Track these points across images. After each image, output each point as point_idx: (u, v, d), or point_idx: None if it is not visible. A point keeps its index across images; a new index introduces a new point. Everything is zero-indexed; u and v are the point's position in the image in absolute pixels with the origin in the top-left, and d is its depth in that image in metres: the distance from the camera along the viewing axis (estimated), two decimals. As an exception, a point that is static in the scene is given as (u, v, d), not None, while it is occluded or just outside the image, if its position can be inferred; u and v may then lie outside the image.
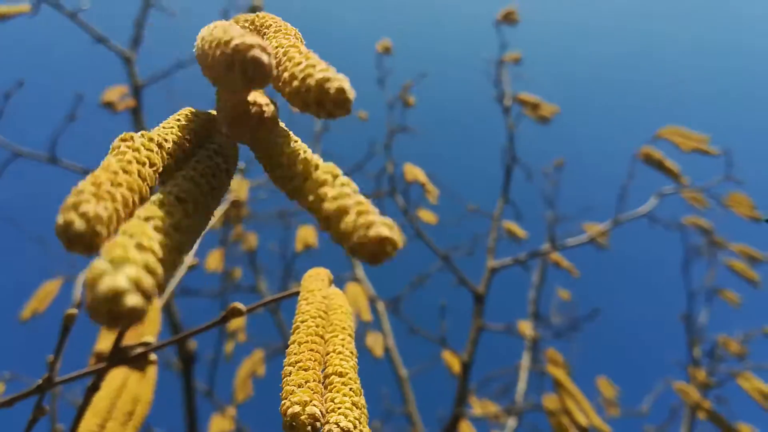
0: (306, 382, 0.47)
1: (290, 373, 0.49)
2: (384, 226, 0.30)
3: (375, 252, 0.30)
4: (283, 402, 0.45)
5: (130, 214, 0.33)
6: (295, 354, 0.52)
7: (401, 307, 3.40)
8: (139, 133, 0.40)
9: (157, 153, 0.39)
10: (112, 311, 0.25)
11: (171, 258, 0.31)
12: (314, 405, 0.44)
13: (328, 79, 0.33)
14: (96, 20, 2.29)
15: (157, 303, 1.21)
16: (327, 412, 0.46)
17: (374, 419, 3.65)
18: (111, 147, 0.38)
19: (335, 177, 0.35)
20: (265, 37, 0.44)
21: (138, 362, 1.04)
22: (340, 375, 0.50)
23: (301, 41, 0.45)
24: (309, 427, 0.42)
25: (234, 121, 0.39)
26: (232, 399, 3.12)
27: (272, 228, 3.96)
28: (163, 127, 0.43)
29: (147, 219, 0.32)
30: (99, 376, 0.94)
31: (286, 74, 0.36)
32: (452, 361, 2.81)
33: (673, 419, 3.37)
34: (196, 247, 1.58)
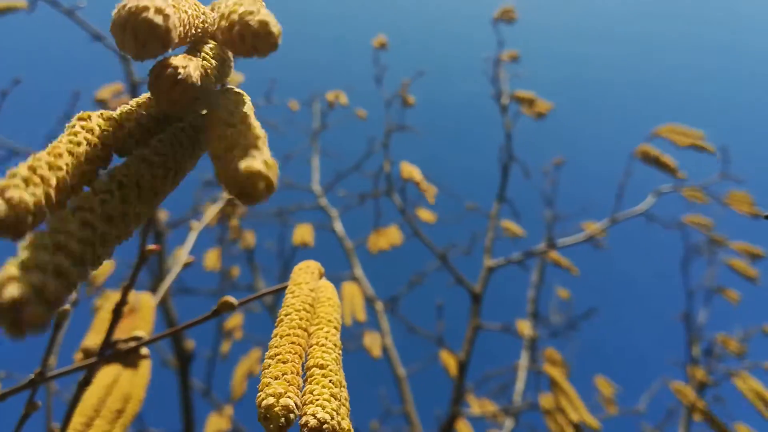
0: (283, 374, 0.47)
1: (269, 365, 0.49)
2: (260, 162, 0.30)
3: (245, 187, 0.29)
4: (258, 394, 0.45)
5: (73, 195, 0.32)
6: (275, 347, 0.51)
7: (399, 306, 3.40)
8: (99, 112, 0.39)
9: (113, 133, 0.38)
10: (14, 320, 0.24)
11: (97, 252, 0.30)
12: (289, 397, 0.44)
13: (250, 12, 0.33)
14: (93, 18, 2.29)
15: (152, 301, 1.21)
16: (305, 404, 0.45)
17: (372, 419, 3.64)
18: (66, 126, 0.37)
19: (244, 123, 0.34)
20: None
21: (130, 357, 1.04)
22: (321, 367, 0.50)
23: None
24: (282, 419, 0.42)
25: (151, 86, 0.37)
26: (230, 398, 3.12)
27: (270, 227, 3.95)
28: (131, 105, 0.42)
29: (76, 210, 0.31)
30: (91, 370, 0.94)
31: (217, 18, 0.36)
32: (449, 361, 2.81)
33: (670, 418, 3.36)
34: (191, 244, 1.56)
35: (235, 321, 3.16)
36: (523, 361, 3.20)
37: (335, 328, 0.59)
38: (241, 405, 3.10)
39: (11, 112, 2.19)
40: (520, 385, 3.10)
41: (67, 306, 0.91)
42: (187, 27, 0.38)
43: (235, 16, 0.33)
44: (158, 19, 0.31)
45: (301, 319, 0.57)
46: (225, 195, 1.96)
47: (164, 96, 0.37)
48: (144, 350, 1.03)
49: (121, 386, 1.05)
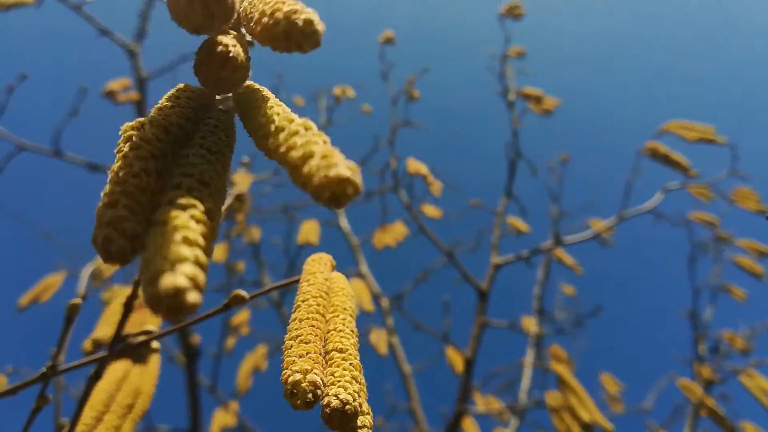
0: (307, 353, 0.47)
1: (291, 346, 0.49)
2: (345, 167, 0.30)
3: (335, 192, 0.30)
4: (284, 372, 0.45)
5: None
6: (296, 329, 0.52)
7: (405, 303, 3.40)
8: (146, 121, 0.40)
9: (167, 143, 0.39)
10: (173, 306, 0.27)
11: (210, 246, 0.32)
12: (315, 373, 0.44)
13: (295, 11, 0.34)
14: (100, 13, 2.29)
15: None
16: (326, 385, 0.46)
17: (378, 415, 3.64)
18: (122, 137, 0.38)
19: (307, 128, 0.35)
20: None
21: (140, 351, 1.04)
22: (341, 351, 0.51)
23: None
24: (310, 394, 0.42)
25: (200, 64, 0.38)
26: (235, 393, 3.13)
27: (276, 222, 3.95)
28: (163, 109, 0.42)
29: (185, 208, 0.32)
30: (101, 364, 0.94)
31: (256, 14, 0.36)
32: (455, 358, 2.80)
33: (677, 416, 3.36)
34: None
35: (241, 317, 3.16)
36: (529, 358, 3.20)
37: (351, 315, 0.60)
38: (246, 400, 3.11)
39: (18, 108, 2.19)
40: (525, 382, 3.10)
41: (78, 300, 0.91)
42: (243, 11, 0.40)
43: (280, 15, 0.34)
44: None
45: (318, 305, 0.58)
46: (236, 192, 1.96)
47: (214, 74, 0.38)
48: (155, 344, 1.03)
49: (131, 381, 1.05)
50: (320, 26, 0.34)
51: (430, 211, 3.17)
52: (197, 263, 0.29)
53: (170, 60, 2.41)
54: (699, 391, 2.67)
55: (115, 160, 0.36)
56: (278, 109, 0.38)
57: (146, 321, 1.14)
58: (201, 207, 0.33)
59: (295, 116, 0.37)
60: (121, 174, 0.35)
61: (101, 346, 1.09)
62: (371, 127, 3.49)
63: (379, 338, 2.82)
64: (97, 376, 0.94)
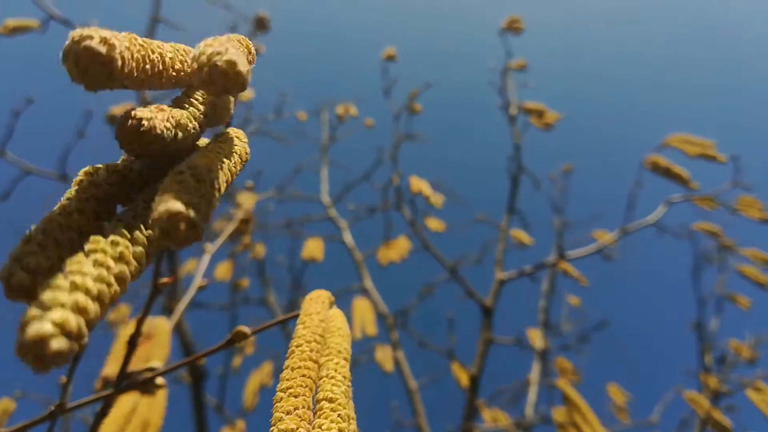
0: (295, 409, 0.48)
1: (281, 399, 0.50)
2: (179, 204, 0.31)
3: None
4: (271, 429, 0.46)
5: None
6: (287, 380, 0.53)
7: (409, 319, 3.40)
8: (104, 166, 0.40)
9: (120, 187, 0.39)
10: (38, 355, 0.25)
11: (114, 289, 0.31)
12: None
13: (217, 53, 0.33)
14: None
15: (167, 326, 1.22)
16: None
17: (384, 431, 3.64)
18: (73, 181, 0.38)
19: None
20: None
21: (146, 387, 1.05)
22: (330, 401, 0.51)
23: (249, 50, 0.43)
24: None
25: (116, 134, 0.38)
26: (242, 412, 3.13)
27: (280, 238, 3.96)
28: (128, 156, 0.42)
29: (89, 252, 0.31)
30: (107, 401, 0.95)
31: (189, 62, 0.37)
32: (461, 375, 2.80)
33: (683, 429, 3.34)
34: (205, 266, 1.57)
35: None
36: (535, 372, 3.19)
37: (345, 359, 0.60)
38: (253, 420, 3.11)
39: (24, 132, 2.21)
40: (532, 397, 3.09)
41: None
42: (145, 63, 0.38)
43: (204, 58, 0.34)
44: (101, 48, 0.32)
45: (311, 350, 0.58)
46: (241, 216, 1.97)
47: (127, 146, 0.38)
48: (160, 380, 1.04)
49: (140, 413, 1.06)
50: (244, 67, 0.33)
51: (434, 224, 3.18)
52: (75, 308, 0.27)
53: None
54: (706, 404, 2.66)
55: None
56: (201, 166, 0.37)
57: (152, 353, 1.16)
58: (111, 251, 0.32)
59: (213, 176, 0.36)
60: (52, 212, 0.35)
61: (110, 384, 1.10)
62: (374, 141, 3.50)
63: (385, 356, 2.82)
64: (103, 413, 0.96)
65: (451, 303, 3.46)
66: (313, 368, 0.56)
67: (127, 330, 1.22)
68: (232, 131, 0.49)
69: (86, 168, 0.39)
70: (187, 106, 0.42)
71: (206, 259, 1.57)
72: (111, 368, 1.12)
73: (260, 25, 2.32)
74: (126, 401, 1.07)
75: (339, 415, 0.49)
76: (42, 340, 0.25)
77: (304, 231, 3.63)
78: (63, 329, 0.26)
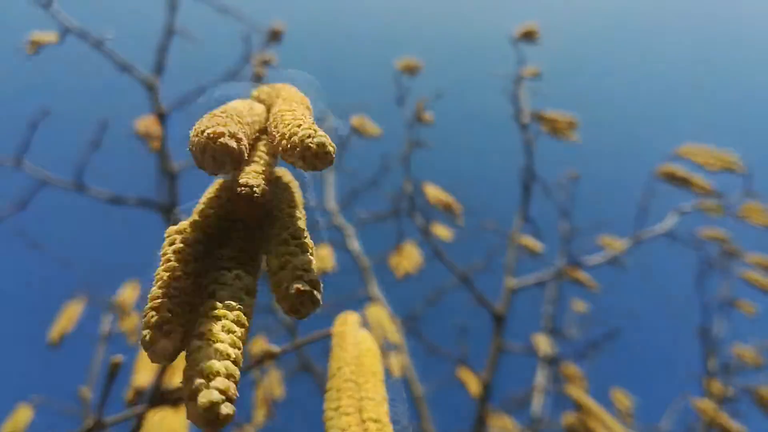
0: (349, 426, 0.52)
1: (332, 417, 0.54)
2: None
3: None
4: None
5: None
6: (335, 400, 0.57)
7: (418, 325, 3.41)
8: (188, 225, 0.43)
9: (206, 243, 0.43)
10: (210, 420, 0.30)
11: (241, 353, 0.35)
12: None
13: (309, 135, 0.37)
14: (120, 48, 2.33)
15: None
16: None
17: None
18: (167, 239, 0.42)
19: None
20: (273, 106, 0.48)
21: (176, 402, 1.08)
22: (376, 421, 0.55)
23: (307, 107, 0.49)
24: None
25: (229, 201, 0.43)
26: (249, 418, 3.14)
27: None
28: (204, 212, 0.45)
29: (215, 318, 0.35)
30: (141, 417, 0.97)
31: (277, 135, 0.40)
32: (471, 382, 2.82)
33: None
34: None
35: (258, 344, 3.17)
36: (542, 378, 3.21)
37: (381, 380, 0.64)
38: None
39: (41, 142, 2.23)
40: (539, 402, 3.10)
41: (119, 357, 0.94)
42: (251, 138, 0.43)
43: (296, 139, 0.37)
44: (233, 144, 0.36)
45: (352, 372, 0.63)
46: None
47: (242, 212, 0.42)
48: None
49: (168, 424, 1.09)
50: (332, 148, 0.36)
51: (442, 232, 3.19)
52: (228, 375, 0.32)
53: (187, 93, 2.46)
54: (712, 410, 2.67)
55: (161, 263, 0.40)
56: (288, 221, 0.42)
57: (179, 371, 1.18)
58: (232, 316, 0.36)
59: (300, 230, 0.41)
60: (165, 277, 0.38)
61: (142, 394, 1.13)
62: (383, 146, 3.50)
63: (393, 362, 2.83)
64: (137, 429, 0.98)
65: (461, 308, 3.48)
66: (356, 389, 0.60)
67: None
68: (285, 174, 0.53)
69: (175, 227, 0.43)
70: (258, 159, 0.46)
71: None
72: (141, 378, 1.15)
73: (274, 37, 2.34)
74: (155, 413, 1.10)
75: None
76: (213, 407, 0.30)
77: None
78: (226, 395, 0.31)
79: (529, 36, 3.02)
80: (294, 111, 0.42)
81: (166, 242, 0.42)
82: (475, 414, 2.59)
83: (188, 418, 0.31)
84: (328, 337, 0.85)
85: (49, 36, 2.06)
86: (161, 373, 0.96)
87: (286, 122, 0.40)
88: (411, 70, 3.16)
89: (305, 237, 0.40)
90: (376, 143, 3.39)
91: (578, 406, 2.25)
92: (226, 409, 0.30)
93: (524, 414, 3.36)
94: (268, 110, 0.51)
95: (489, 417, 2.87)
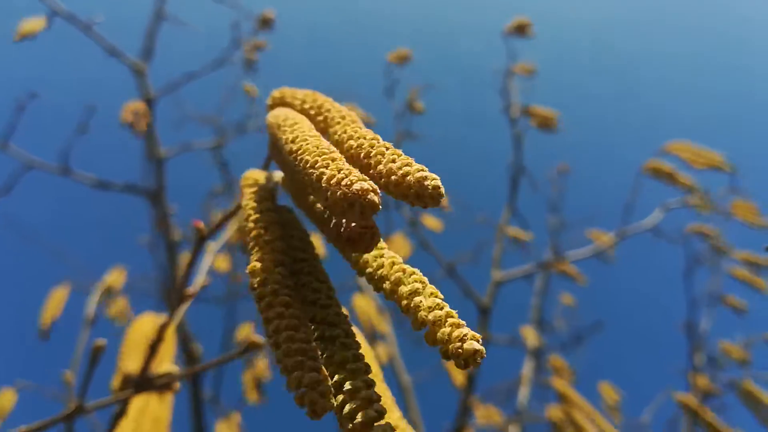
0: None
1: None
2: (475, 341, 0.37)
3: (467, 361, 0.36)
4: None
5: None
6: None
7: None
8: (273, 267, 0.46)
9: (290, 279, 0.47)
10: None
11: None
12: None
13: (425, 178, 0.38)
14: (104, 31, 2.30)
15: (172, 329, 1.23)
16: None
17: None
18: (258, 289, 0.45)
19: (424, 285, 0.41)
20: (328, 123, 0.49)
21: (163, 389, 1.07)
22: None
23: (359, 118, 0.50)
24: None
25: (350, 242, 0.44)
26: (238, 404, 3.15)
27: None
28: (274, 248, 0.48)
29: (356, 374, 0.40)
30: (125, 403, 0.97)
31: (381, 168, 0.41)
32: (455, 373, 2.83)
33: (672, 428, 3.38)
34: (208, 265, 1.59)
35: (246, 331, 3.17)
36: (528, 370, 3.22)
37: (373, 359, 0.61)
38: (247, 412, 3.13)
39: (27, 126, 2.21)
40: (524, 394, 3.12)
41: (102, 341, 0.94)
42: None
43: (411, 179, 0.39)
44: (377, 199, 0.37)
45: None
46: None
47: (363, 249, 0.44)
48: (176, 385, 1.07)
49: (151, 411, 1.09)
50: (443, 189, 0.39)
51: (431, 223, 3.19)
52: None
53: (175, 79, 2.44)
54: (694, 403, 2.70)
55: (262, 309, 0.43)
56: (393, 259, 0.45)
57: (164, 356, 1.17)
58: (363, 365, 0.41)
59: (406, 266, 0.43)
60: (282, 328, 0.41)
61: (130, 380, 1.12)
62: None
63: (379, 351, 2.85)
64: (121, 414, 0.98)
65: (447, 302, 3.47)
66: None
67: (136, 327, 1.24)
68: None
69: (258, 267, 0.46)
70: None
71: (209, 258, 1.58)
72: (128, 365, 1.15)
73: (265, 24, 2.32)
74: (138, 400, 1.10)
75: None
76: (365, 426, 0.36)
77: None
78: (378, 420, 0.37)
79: (520, 30, 3.02)
80: (384, 144, 0.43)
81: (258, 292, 0.45)
82: (459, 404, 2.60)
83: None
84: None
85: (37, 24, 2.04)
86: (147, 359, 0.96)
87: (389, 158, 0.41)
88: (401, 60, 3.15)
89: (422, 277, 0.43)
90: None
91: (562, 397, 2.27)
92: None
93: (509, 405, 3.38)
94: (311, 120, 0.53)
95: (474, 407, 2.89)
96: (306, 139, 0.44)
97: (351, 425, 0.37)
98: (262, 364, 3.15)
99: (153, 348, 0.94)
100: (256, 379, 3.09)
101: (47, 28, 2.08)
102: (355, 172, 0.38)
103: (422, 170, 0.39)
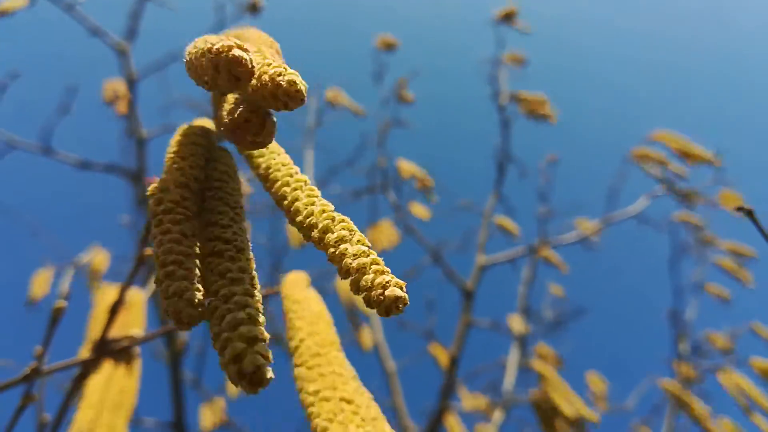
0: (335, 415, 0.51)
1: (313, 403, 0.53)
2: (397, 287, 0.36)
3: (389, 308, 0.36)
4: None
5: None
6: (312, 381, 0.55)
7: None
8: (169, 182, 0.45)
9: (191, 199, 0.45)
10: (254, 380, 0.33)
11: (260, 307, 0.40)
12: None
13: (280, 73, 0.37)
14: (87, 11, 2.29)
15: (142, 297, 1.23)
16: None
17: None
18: (152, 200, 0.43)
19: (352, 233, 0.40)
20: None
21: (124, 354, 1.07)
22: (349, 402, 0.54)
23: (277, 51, 0.49)
24: None
25: (237, 127, 0.42)
26: (220, 390, 3.15)
27: (260, 221, 3.94)
28: (180, 166, 0.47)
29: (236, 283, 0.39)
30: (87, 366, 0.97)
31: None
32: (440, 354, 2.84)
33: (655, 414, 3.40)
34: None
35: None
36: (513, 356, 3.23)
37: (338, 349, 0.61)
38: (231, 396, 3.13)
39: (8, 105, 2.20)
40: (510, 380, 3.13)
41: (62, 302, 0.94)
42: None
43: (266, 77, 0.37)
44: (243, 54, 0.36)
45: (315, 344, 0.61)
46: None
47: (252, 137, 0.41)
48: (136, 350, 1.06)
49: (117, 382, 1.08)
50: (303, 86, 0.37)
51: (418, 210, 3.19)
52: (263, 339, 0.35)
53: (159, 59, 2.43)
54: (677, 389, 2.71)
55: (153, 226, 0.41)
56: (307, 193, 0.44)
57: (128, 323, 1.17)
58: (247, 277, 0.40)
59: (335, 213, 0.42)
60: (165, 242, 0.40)
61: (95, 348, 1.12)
62: (361, 124, 3.49)
63: (364, 335, 2.85)
64: (82, 377, 0.97)
65: (433, 285, 3.49)
66: (325, 364, 0.58)
67: (104, 297, 1.23)
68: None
69: (155, 185, 0.45)
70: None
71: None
72: (96, 332, 1.15)
73: (252, 8, 2.31)
74: (102, 371, 1.09)
75: (362, 419, 0.52)
76: (259, 369, 0.33)
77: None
78: (267, 359, 0.34)
79: (508, 18, 3.02)
80: (263, 53, 0.41)
81: (152, 202, 0.43)
82: (442, 386, 2.61)
83: (231, 377, 0.34)
84: (274, 294, 0.83)
85: (18, 1, 2.02)
86: (110, 323, 0.96)
87: (256, 62, 0.39)
88: (388, 47, 3.15)
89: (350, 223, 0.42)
90: (353, 121, 3.38)
91: (541, 378, 2.27)
92: (270, 373, 0.34)
93: (493, 388, 3.39)
94: None
95: (457, 389, 2.90)
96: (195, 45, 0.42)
97: (219, 329, 0.35)
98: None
99: (114, 310, 0.94)
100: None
101: (28, 7, 2.07)
102: (222, 40, 0.37)
103: (280, 68, 0.37)
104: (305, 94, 0.37)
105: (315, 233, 0.41)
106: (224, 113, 0.43)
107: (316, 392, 0.54)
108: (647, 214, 3.03)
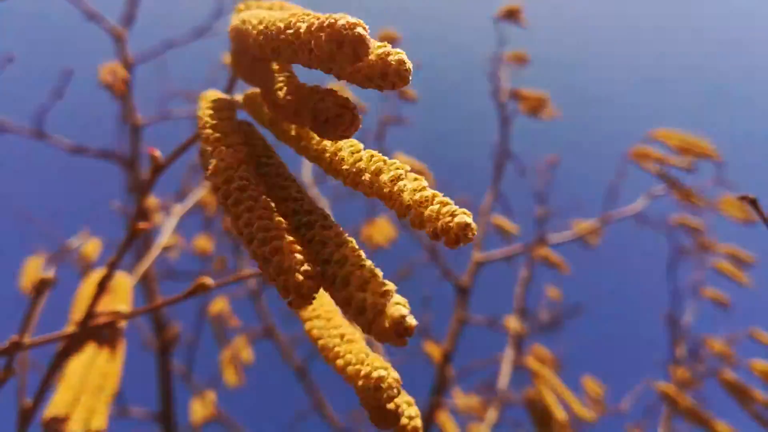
0: (367, 355, 0.50)
1: (338, 345, 0.53)
2: (465, 215, 0.36)
3: (458, 235, 0.35)
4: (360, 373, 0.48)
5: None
6: (335, 327, 0.56)
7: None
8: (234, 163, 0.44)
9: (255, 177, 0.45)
10: (401, 331, 0.34)
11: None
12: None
13: (388, 53, 0.36)
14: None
15: (128, 281, 1.20)
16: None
17: (354, 408, 3.64)
18: (221, 179, 0.42)
19: (406, 171, 0.40)
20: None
21: (108, 332, 1.04)
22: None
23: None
24: (395, 389, 0.47)
25: (327, 124, 0.42)
26: (211, 382, 3.12)
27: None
28: (224, 137, 0.47)
29: (344, 244, 0.40)
30: (70, 341, 0.94)
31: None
32: (433, 351, 2.81)
33: (651, 416, 3.38)
34: (172, 227, 1.56)
35: (219, 306, 3.13)
36: (508, 356, 3.20)
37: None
38: (221, 390, 3.10)
39: (2, 90, 2.17)
40: (504, 380, 3.10)
41: (49, 275, 0.91)
42: None
43: (373, 57, 0.36)
44: (365, 32, 0.36)
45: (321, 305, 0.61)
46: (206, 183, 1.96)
47: (341, 133, 0.42)
48: (121, 328, 1.03)
49: (99, 364, 1.05)
50: (410, 65, 0.36)
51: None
52: (391, 290, 0.36)
53: (155, 45, 2.41)
54: (674, 391, 2.68)
55: (231, 205, 0.40)
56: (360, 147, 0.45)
57: (116, 303, 1.14)
58: (346, 238, 0.40)
59: (384, 157, 0.42)
60: (254, 219, 0.39)
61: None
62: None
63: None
64: (65, 353, 0.94)
65: (429, 284, 3.47)
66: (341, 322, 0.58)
67: (92, 277, 1.20)
68: None
69: (237, 174, 0.43)
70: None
71: (173, 220, 1.55)
72: (81, 309, 1.12)
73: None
74: (85, 351, 1.05)
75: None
76: (404, 319, 0.33)
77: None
78: (406, 306, 0.35)
79: (511, 15, 3.00)
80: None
81: (223, 183, 0.42)
82: (435, 382, 2.59)
83: (378, 335, 0.34)
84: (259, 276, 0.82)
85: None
86: (96, 299, 0.93)
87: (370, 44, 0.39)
88: (390, 42, 3.12)
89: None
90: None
91: (534, 375, 2.25)
92: (414, 320, 0.34)
93: (489, 391, 3.37)
94: None
95: (450, 388, 2.87)
96: (273, 16, 0.42)
97: (348, 292, 0.35)
98: (240, 344, 3.12)
99: (101, 285, 0.91)
100: (235, 360, 3.06)
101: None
102: (345, 17, 0.36)
103: (384, 46, 0.37)
104: (411, 73, 0.37)
105: (366, 177, 0.41)
106: (282, 95, 0.45)
107: (342, 335, 0.54)
108: (646, 214, 3.01)
